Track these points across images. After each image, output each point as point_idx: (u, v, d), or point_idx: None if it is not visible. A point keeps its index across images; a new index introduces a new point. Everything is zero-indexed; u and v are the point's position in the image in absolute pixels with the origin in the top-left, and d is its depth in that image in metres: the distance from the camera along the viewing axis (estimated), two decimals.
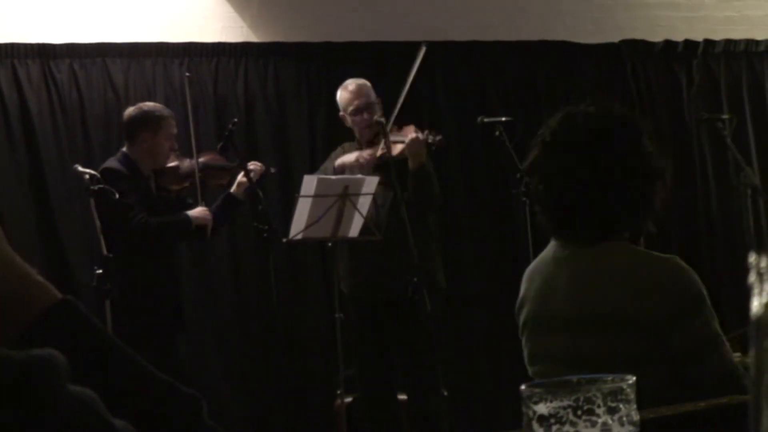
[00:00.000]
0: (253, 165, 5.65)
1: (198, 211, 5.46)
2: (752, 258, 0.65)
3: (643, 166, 2.54)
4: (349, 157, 5.54)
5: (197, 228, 5.47)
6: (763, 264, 0.65)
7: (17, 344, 0.92)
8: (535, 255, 4.86)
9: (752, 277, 0.66)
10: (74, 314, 1.01)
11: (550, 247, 2.64)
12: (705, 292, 2.45)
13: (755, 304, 0.66)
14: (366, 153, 5.51)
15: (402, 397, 5.55)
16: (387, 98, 5.74)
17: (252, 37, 6.78)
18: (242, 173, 5.52)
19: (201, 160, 5.61)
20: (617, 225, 2.54)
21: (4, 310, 0.97)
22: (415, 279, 4.90)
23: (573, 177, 2.52)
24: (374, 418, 5.28)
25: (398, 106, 5.54)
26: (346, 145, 5.77)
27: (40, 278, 1.01)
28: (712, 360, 2.42)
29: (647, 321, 2.40)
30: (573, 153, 2.53)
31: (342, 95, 5.68)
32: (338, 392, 5.33)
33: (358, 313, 5.41)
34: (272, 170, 5.83)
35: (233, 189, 5.61)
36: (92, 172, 5.00)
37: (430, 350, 5.35)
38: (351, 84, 5.69)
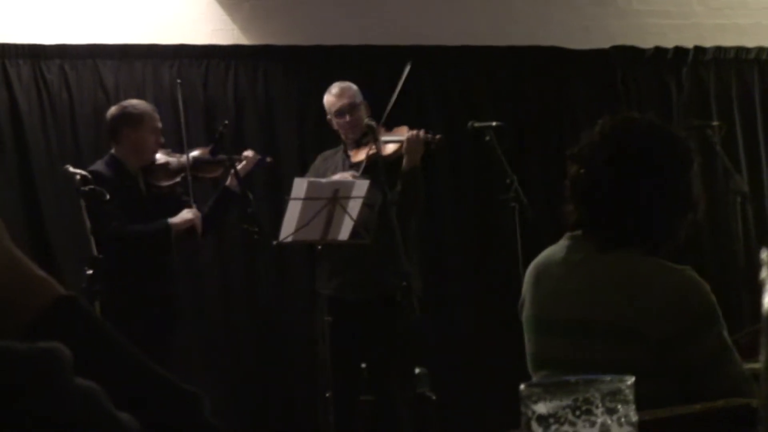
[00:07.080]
0: (248, 153, 5.65)
1: (181, 216, 5.39)
2: (764, 255, 0.65)
3: (684, 193, 2.56)
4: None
5: (186, 231, 5.42)
6: None
7: (20, 339, 0.91)
8: (524, 260, 4.84)
9: (763, 274, 0.65)
10: (77, 310, 1.00)
11: (561, 248, 2.61)
12: (716, 304, 2.43)
13: (766, 301, 0.66)
14: (348, 174, 5.48)
15: (368, 397, 5.53)
16: (376, 101, 5.75)
17: (242, 40, 6.78)
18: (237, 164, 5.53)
19: (192, 154, 5.54)
20: (637, 235, 2.52)
21: (6, 304, 0.97)
22: (404, 283, 4.88)
23: (616, 172, 2.50)
24: (339, 418, 5.27)
25: (384, 115, 5.53)
26: (327, 152, 5.76)
27: (42, 273, 1.01)
28: (723, 372, 2.40)
29: (657, 335, 2.39)
30: (625, 150, 2.52)
31: (327, 99, 5.73)
32: (327, 395, 5.31)
33: (337, 313, 5.38)
34: (268, 159, 5.81)
35: (228, 182, 5.56)
36: (83, 172, 4.98)
37: (411, 354, 5.34)
38: (335, 87, 5.73)
